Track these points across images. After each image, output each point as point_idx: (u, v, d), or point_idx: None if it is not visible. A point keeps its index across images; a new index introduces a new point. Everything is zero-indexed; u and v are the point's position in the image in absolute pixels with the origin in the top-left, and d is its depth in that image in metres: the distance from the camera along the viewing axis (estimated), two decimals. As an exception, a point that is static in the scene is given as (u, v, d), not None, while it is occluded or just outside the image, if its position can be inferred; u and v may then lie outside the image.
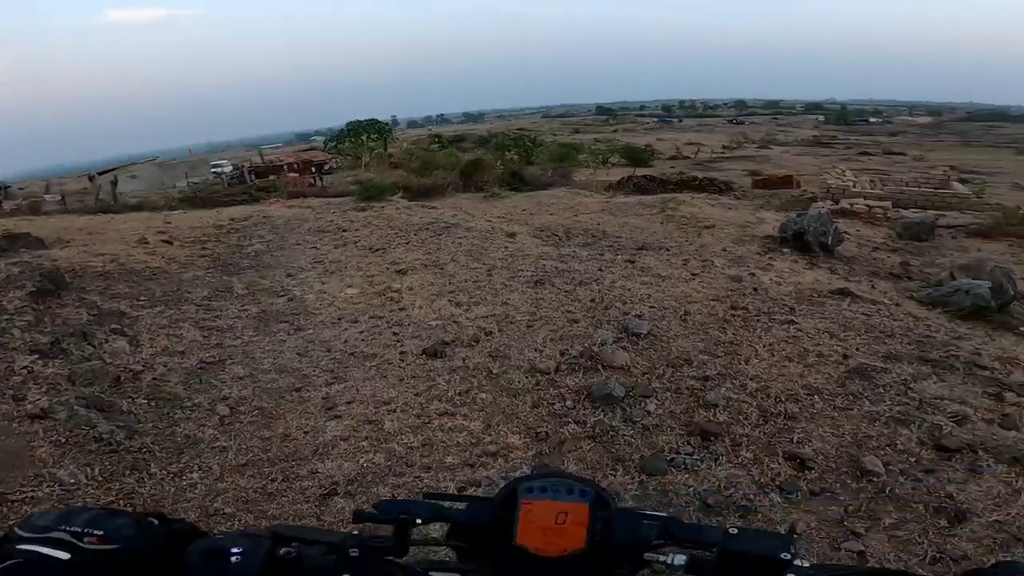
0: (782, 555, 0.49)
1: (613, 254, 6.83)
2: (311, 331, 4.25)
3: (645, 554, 0.52)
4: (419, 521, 0.53)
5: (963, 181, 18.63)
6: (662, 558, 0.52)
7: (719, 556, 0.50)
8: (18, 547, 0.45)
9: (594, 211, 11.66)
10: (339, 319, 4.45)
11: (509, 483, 0.54)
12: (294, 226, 9.48)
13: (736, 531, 0.52)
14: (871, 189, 15.83)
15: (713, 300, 4.37)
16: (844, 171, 18.44)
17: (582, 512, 0.51)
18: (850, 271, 7.08)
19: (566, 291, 4.61)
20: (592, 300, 4.35)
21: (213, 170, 34.91)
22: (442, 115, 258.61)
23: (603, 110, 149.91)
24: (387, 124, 33.23)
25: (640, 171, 24.40)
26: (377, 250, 6.60)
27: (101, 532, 0.47)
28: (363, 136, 30.29)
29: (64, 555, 0.45)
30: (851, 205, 14.08)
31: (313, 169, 22.05)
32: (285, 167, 23.30)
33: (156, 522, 0.51)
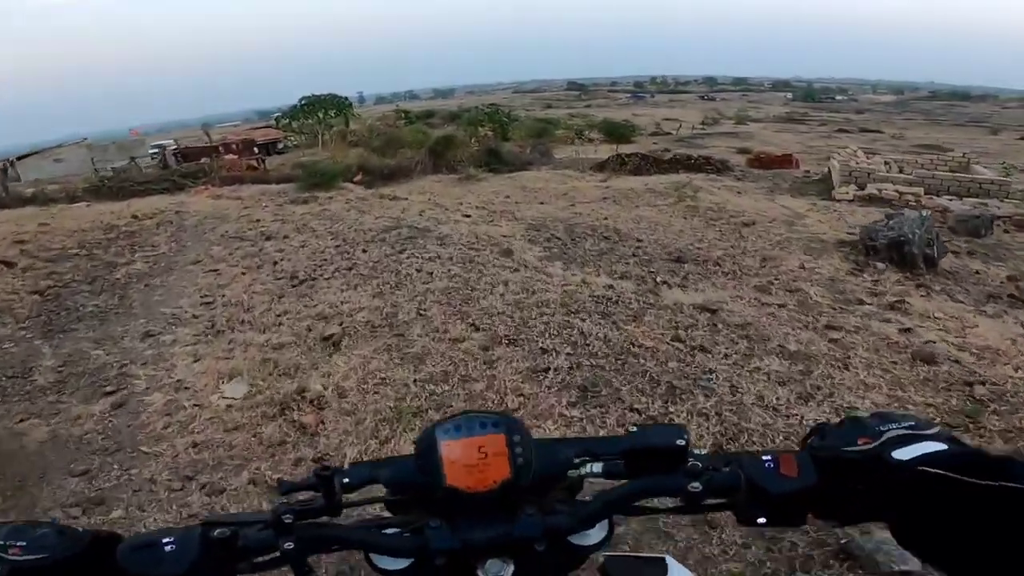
0: (678, 442, 0.51)
1: (648, 271, 4.75)
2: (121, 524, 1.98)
3: (568, 472, 0.53)
4: (347, 480, 0.51)
5: (978, 164, 16.99)
6: (583, 471, 0.53)
7: (627, 455, 0.52)
8: None
9: (594, 199, 9.52)
10: (192, 474, 2.18)
11: (426, 431, 0.52)
12: (207, 228, 7.05)
13: (636, 429, 0.54)
14: (887, 171, 14.11)
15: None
16: (855, 151, 16.68)
17: (499, 442, 0.50)
18: (968, 295, 5.15)
19: (651, 420, 2.40)
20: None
21: (152, 151, 31.17)
22: (411, 91, 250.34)
23: (575, 85, 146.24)
24: (346, 99, 29.78)
25: (623, 148, 22.33)
26: (302, 282, 4.31)
27: (23, 543, 0.45)
28: (319, 112, 27.11)
29: None
30: (879, 191, 12.23)
31: (256, 149, 18.94)
32: (220, 148, 19.90)
33: (80, 530, 0.48)
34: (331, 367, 2.89)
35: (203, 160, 14.31)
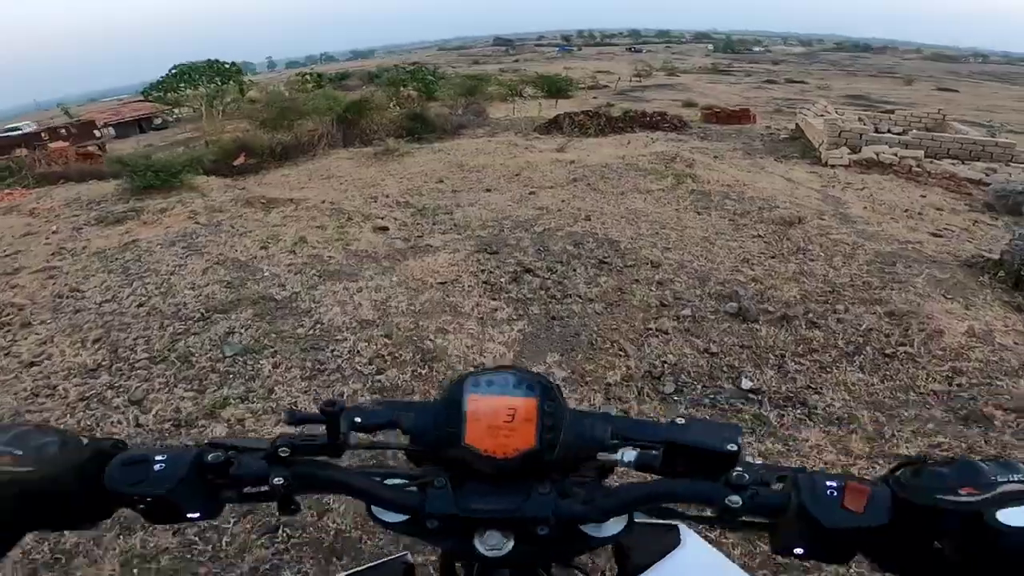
0: (728, 447, 0.44)
1: (711, 357, 2.48)
2: None
3: (598, 454, 0.48)
4: (358, 420, 0.46)
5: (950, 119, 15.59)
6: (614, 456, 0.47)
7: (665, 449, 0.46)
8: None
9: (559, 182, 6.98)
10: None
11: (457, 378, 0.47)
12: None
13: (684, 421, 0.47)
14: (862, 127, 12.41)
15: None
16: (826, 106, 14.93)
17: (530, 408, 0.45)
18: None
19: None
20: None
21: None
22: (327, 53, 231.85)
23: (502, 41, 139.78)
24: (232, 64, 24.64)
25: (564, 104, 19.73)
26: None
27: (20, 452, 0.41)
28: (198, 81, 22.15)
29: None
30: (877, 155, 10.45)
31: (98, 132, 14.56)
32: (44, 134, 15.16)
33: (85, 440, 0.45)
34: None
35: (20, 152, 10.32)
